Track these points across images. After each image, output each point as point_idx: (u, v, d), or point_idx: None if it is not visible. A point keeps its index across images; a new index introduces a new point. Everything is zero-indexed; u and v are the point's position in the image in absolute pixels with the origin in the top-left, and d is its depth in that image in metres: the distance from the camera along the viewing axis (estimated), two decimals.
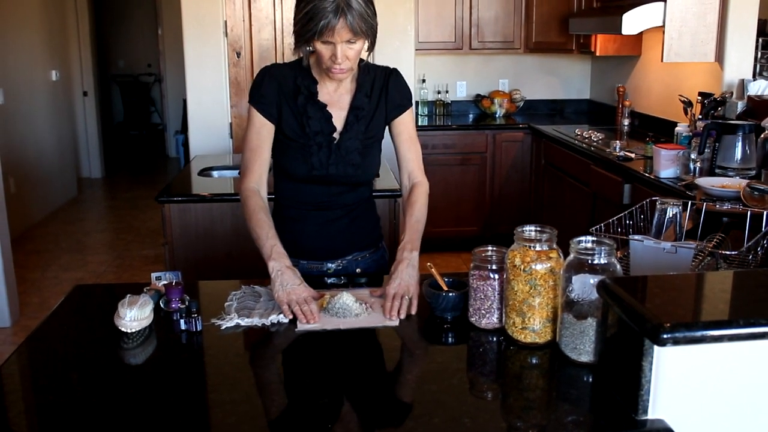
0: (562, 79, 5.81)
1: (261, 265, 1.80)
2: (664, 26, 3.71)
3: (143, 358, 1.53)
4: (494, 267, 1.56)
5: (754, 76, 3.75)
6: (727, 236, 1.78)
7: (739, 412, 1.22)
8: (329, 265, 2.03)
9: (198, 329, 1.60)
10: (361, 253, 2.07)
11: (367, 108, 1.95)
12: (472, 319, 1.60)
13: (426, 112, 5.56)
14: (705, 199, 2.48)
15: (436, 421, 1.22)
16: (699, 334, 1.13)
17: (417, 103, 5.44)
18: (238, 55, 4.74)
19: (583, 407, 1.30)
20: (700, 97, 3.75)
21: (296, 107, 1.91)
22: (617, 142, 3.95)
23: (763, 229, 1.72)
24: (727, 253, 1.67)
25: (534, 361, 1.46)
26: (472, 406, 1.30)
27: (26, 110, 6.30)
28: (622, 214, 1.88)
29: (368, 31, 1.76)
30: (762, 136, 2.96)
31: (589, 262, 1.37)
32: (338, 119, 1.93)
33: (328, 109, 1.92)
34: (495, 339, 1.56)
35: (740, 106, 3.49)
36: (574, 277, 1.38)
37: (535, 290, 1.46)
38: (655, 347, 1.16)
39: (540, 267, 1.45)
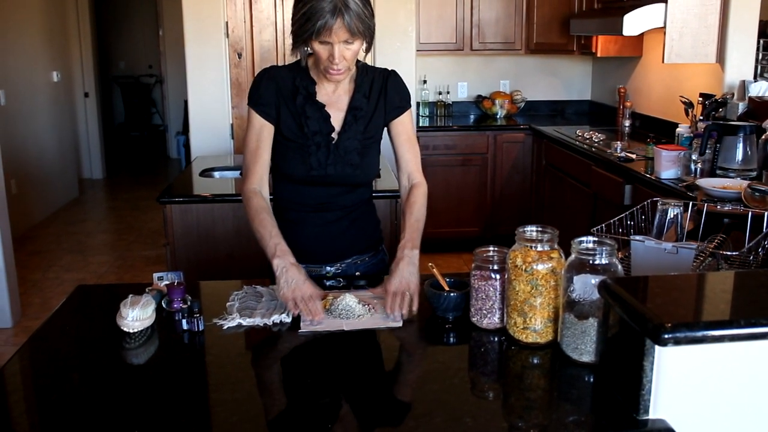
0: (563, 80, 5.82)
1: (263, 265, 1.80)
2: (665, 27, 3.71)
3: (145, 358, 1.53)
4: (496, 267, 1.56)
5: (755, 77, 3.75)
6: (728, 237, 1.78)
7: (739, 412, 1.22)
8: (328, 268, 2.03)
9: (200, 329, 1.61)
10: (360, 256, 2.07)
11: (366, 108, 1.95)
12: (474, 319, 1.61)
13: (427, 113, 5.56)
14: (706, 200, 2.48)
15: (437, 421, 1.23)
16: (700, 334, 1.13)
17: (418, 104, 5.45)
18: (240, 56, 4.74)
19: (585, 407, 1.30)
20: (701, 98, 3.75)
21: (295, 108, 1.91)
22: (618, 143, 3.96)
23: (764, 230, 1.73)
24: (728, 253, 1.67)
25: (535, 361, 1.46)
26: (473, 405, 1.31)
27: (27, 111, 6.31)
28: (624, 214, 1.88)
29: (365, 31, 1.77)
30: (763, 137, 2.96)
31: (591, 262, 1.38)
32: (336, 119, 1.93)
33: (326, 109, 1.92)
34: (496, 339, 1.56)
35: (741, 107, 3.50)
36: (575, 278, 1.38)
37: (536, 290, 1.46)
38: (657, 347, 1.16)
39: (541, 267, 1.45)
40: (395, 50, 4.81)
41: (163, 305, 1.72)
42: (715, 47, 3.72)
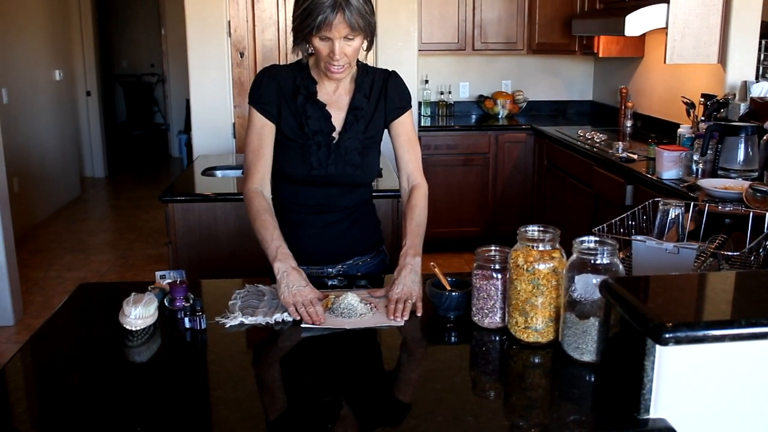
0: (564, 80, 5.82)
1: (265, 264, 1.80)
2: (667, 28, 3.71)
3: (147, 356, 1.54)
4: (497, 266, 1.56)
5: (756, 77, 3.75)
6: (729, 237, 1.79)
7: (740, 412, 1.22)
8: (329, 270, 2.03)
9: (202, 327, 1.61)
10: (362, 257, 2.07)
11: (366, 108, 1.95)
12: (475, 318, 1.61)
13: (429, 113, 5.57)
14: (707, 201, 2.48)
15: (439, 420, 1.23)
16: (701, 333, 1.14)
17: (420, 104, 5.45)
18: (242, 55, 4.75)
19: (586, 406, 1.31)
20: (702, 99, 3.75)
21: (295, 107, 1.91)
22: (620, 143, 3.96)
23: (765, 230, 1.73)
24: (729, 254, 1.67)
25: (536, 360, 1.47)
26: (474, 404, 1.31)
27: (30, 110, 6.32)
28: (625, 214, 1.88)
29: (366, 27, 1.77)
30: (764, 138, 2.96)
31: (592, 262, 1.38)
32: (337, 119, 1.94)
33: (327, 109, 1.92)
34: (498, 338, 1.57)
35: (743, 107, 3.50)
36: (576, 277, 1.39)
37: (537, 290, 1.46)
38: (657, 347, 1.16)
39: (543, 267, 1.46)
40: (397, 50, 4.82)
41: (166, 303, 1.72)
42: (717, 48, 3.72)
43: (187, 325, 1.62)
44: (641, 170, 3.44)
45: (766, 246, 1.68)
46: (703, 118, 3.62)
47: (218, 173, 3.61)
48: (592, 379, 1.36)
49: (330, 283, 1.93)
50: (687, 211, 1.88)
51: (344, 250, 2.04)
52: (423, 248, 1.87)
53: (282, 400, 1.35)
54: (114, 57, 10.59)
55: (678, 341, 1.13)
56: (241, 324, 1.64)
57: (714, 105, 3.59)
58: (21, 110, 6.11)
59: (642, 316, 1.18)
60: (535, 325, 1.48)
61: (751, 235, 1.75)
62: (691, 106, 3.81)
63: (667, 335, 1.12)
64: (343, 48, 1.77)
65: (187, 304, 1.68)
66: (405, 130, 2.00)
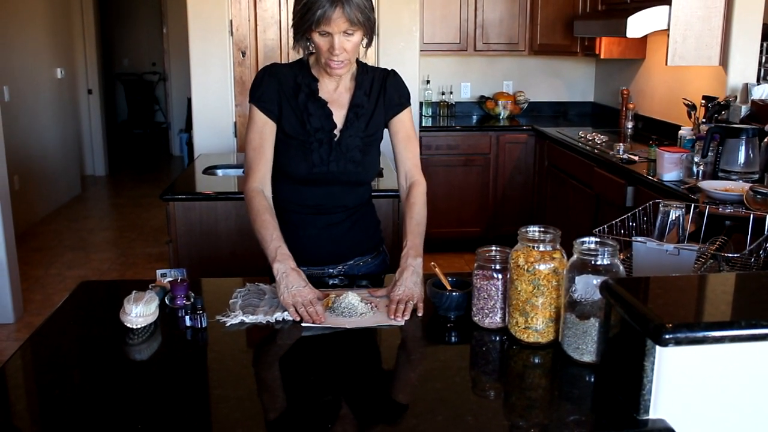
0: (566, 81, 5.82)
1: (265, 263, 1.80)
2: (668, 30, 3.71)
3: (148, 354, 1.54)
4: (498, 267, 1.57)
5: (758, 80, 3.75)
6: (730, 239, 1.79)
7: (740, 413, 1.23)
8: (330, 270, 2.03)
9: (203, 326, 1.61)
10: (362, 258, 2.07)
11: (367, 106, 1.96)
12: (476, 318, 1.61)
13: (430, 113, 5.57)
14: (708, 202, 2.48)
15: (439, 419, 1.23)
16: (701, 334, 1.14)
17: (421, 104, 5.45)
18: (243, 54, 4.75)
19: (585, 407, 1.31)
20: (703, 101, 3.76)
21: (297, 105, 1.92)
22: (621, 144, 3.96)
23: (765, 232, 1.73)
24: (730, 255, 1.67)
25: (536, 360, 1.47)
26: (474, 404, 1.31)
27: (31, 108, 6.32)
28: (626, 216, 1.88)
29: (365, 22, 1.77)
30: (765, 140, 2.97)
31: (593, 262, 1.38)
32: (338, 117, 1.94)
33: (328, 106, 1.93)
34: (498, 338, 1.57)
35: (744, 109, 3.50)
36: (577, 278, 1.39)
37: (538, 290, 1.47)
38: (657, 347, 1.17)
39: (543, 267, 1.46)
40: (399, 50, 4.82)
41: (167, 302, 1.72)
42: (719, 50, 3.72)
43: (188, 323, 1.62)
44: (642, 172, 3.44)
45: (766, 248, 1.68)
46: (704, 120, 3.63)
47: (219, 172, 3.62)
48: (592, 379, 1.36)
49: (331, 282, 1.93)
50: (687, 212, 1.88)
51: (345, 250, 2.04)
52: (423, 248, 1.87)
53: (282, 399, 1.35)
54: (115, 55, 10.60)
55: (678, 342, 1.13)
56: (242, 323, 1.64)
57: (715, 107, 3.59)
58: (22, 108, 6.11)
59: (642, 317, 1.18)
60: (536, 326, 1.48)
61: (751, 237, 1.75)
62: (692, 107, 3.81)
63: (667, 336, 1.12)
64: (342, 43, 1.77)
65: (188, 303, 1.69)
66: (404, 127, 2.01)
